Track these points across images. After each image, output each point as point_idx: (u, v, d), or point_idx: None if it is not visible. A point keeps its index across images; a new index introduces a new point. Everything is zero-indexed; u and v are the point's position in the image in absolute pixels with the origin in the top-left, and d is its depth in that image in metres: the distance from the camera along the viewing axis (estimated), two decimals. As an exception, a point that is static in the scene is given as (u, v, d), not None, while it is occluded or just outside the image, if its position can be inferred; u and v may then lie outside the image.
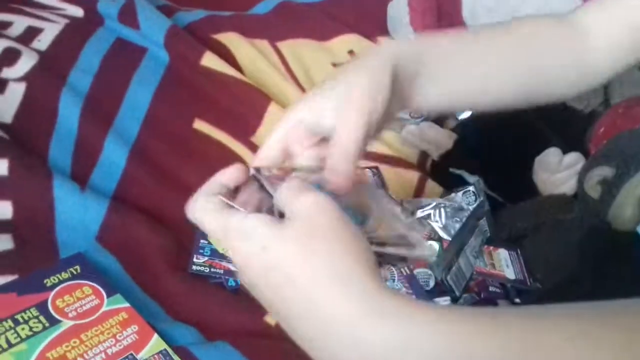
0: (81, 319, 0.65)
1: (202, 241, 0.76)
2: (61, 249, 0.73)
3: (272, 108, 0.93)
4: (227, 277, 0.74)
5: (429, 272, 0.74)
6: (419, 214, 0.80)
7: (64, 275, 0.69)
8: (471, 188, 0.81)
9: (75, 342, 0.63)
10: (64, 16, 0.98)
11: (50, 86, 0.87)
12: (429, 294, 0.73)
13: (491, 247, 0.79)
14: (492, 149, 0.81)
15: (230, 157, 0.89)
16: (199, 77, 0.95)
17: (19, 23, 0.94)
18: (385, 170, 0.89)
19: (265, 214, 0.38)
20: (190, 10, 1.09)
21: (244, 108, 0.94)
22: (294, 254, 0.35)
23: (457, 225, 0.77)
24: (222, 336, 0.68)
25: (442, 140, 0.87)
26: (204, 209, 0.40)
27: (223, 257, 0.75)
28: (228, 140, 0.90)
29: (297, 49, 1.06)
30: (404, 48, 0.48)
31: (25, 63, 0.88)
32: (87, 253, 0.73)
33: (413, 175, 0.90)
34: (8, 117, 0.83)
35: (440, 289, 0.73)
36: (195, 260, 0.75)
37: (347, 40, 1.10)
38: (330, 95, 0.45)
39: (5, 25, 0.93)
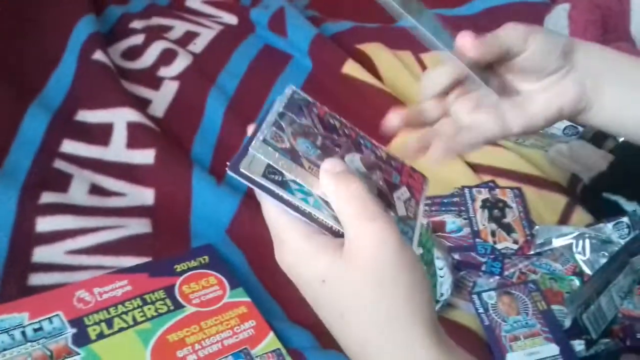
0: (204, 307, 0.67)
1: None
2: (193, 238, 0.76)
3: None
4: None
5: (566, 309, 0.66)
6: (557, 242, 0.72)
7: (193, 263, 0.72)
8: (625, 219, 0.72)
9: (195, 329, 0.64)
10: (220, 23, 1.04)
11: (200, 86, 0.92)
12: (565, 335, 0.65)
13: (646, 289, 0.69)
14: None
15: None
16: (339, 85, 0.96)
17: (179, 27, 1.01)
18: (529, 191, 0.83)
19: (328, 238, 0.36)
20: (337, 22, 1.10)
21: (381, 118, 0.92)
22: (353, 296, 0.34)
23: (603, 260, 0.68)
24: (337, 345, 0.66)
25: (595, 161, 0.78)
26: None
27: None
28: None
29: (440, 61, 1.02)
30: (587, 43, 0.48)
31: (180, 63, 0.94)
32: (216, 244, 0.75)
33: (560, 199, 0.82)
34: (160, 112, 0.89)
35: (578, 330, 0.65)
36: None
37: None
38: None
39: (167, 29, 1.01)
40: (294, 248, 0.36)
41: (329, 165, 0.36)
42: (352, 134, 0.43)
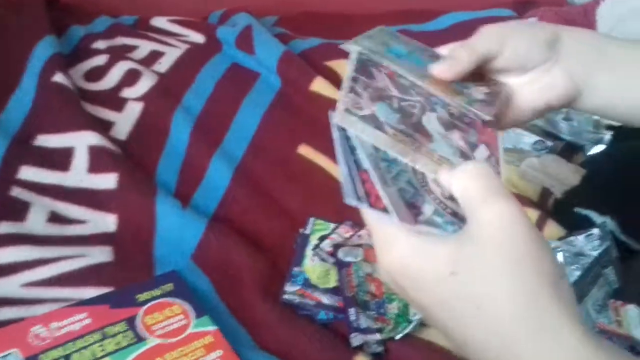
0: (168, 338, 0.64)
1: (295, 269, 0.73)
2: (157, 265, 0.74)
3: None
4: (317, 310, 0.70)
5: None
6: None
7: (157, 292, 0.69)
8: (595, 231, 0.70)
9: (158, 361, 0.62)
10: (186, 42, 1.02)
11: (165, 106, 0.89)
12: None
13: (619, 302, 0.68)
14: (629, 187, 0.70)
15: (332, 184, 0.85)
16: (307, 102, 0.94)
17: (144, 47, 0.99)
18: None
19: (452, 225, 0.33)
20: (306, 39, 1.09)
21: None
22: (492, 282, 0.31)
23: (577, 273, 0.67)
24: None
25: (567, 175, 0.77)
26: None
27: (316, 288, 0.71)
28: (331, 167, 0.87)
29: None
30: (576, 30, 0.47)
31: (145, 84, 0.92)
32: (181, 271, 0.72)
33: (531, 214, 0.81)
34: (123, 134, 0.87)
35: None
36: (286, 288, 0.71)
37: None
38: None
39: (131, 48, 0.98)
40: (409, 245, 0.33)
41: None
42: (424, 92, 0.43)
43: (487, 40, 0.46)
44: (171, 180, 0.83)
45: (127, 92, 0.91)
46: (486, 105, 0.43)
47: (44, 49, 0.90)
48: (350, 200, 0.33)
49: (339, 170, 0.35)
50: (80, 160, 0.81)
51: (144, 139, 0.86)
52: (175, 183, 0.83)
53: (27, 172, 0.79)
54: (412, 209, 0.34)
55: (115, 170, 0.79)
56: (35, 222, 0.74)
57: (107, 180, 0.79)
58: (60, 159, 0.81)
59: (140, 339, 0.63)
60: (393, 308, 0.67)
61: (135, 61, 0.96)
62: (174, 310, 0.67)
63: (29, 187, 0.78)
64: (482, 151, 0.40)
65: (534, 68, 0.46)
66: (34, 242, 0.72)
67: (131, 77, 0.93)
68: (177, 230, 0.76)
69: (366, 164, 0.35)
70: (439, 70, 0.44)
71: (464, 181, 0.34)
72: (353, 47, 0.42)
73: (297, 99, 0.95)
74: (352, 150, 0.36)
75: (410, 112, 0.40)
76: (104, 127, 0.86)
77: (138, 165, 0.82)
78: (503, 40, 0.45)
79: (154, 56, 0.98)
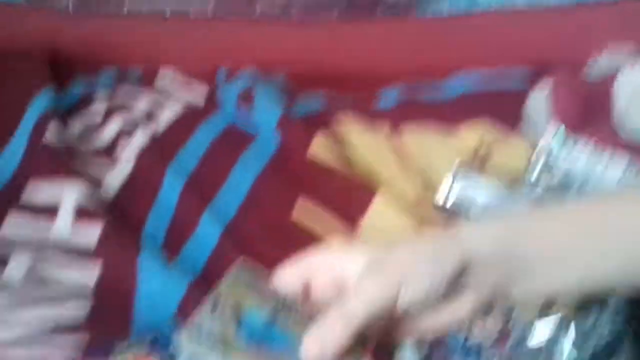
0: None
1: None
2: (136, 322, 0.69)
3: (378, 200, 0.86)
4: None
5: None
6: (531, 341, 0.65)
7: (130, 357, 0.64)
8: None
9: None
10: (185, 102, 1.02)
11: (157, 164, 0.88)
12: None
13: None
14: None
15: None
16: (304, 167, 0.92)
17: (143, 104, 0.98)
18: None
19: None
20: (311, 96, 1.06)
21: (347, 201, 0.88)
22: None
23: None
24: None
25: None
26: None
27: None
28: (327, 234, 0.83)
29: (421, 137, 0.98)
30: (483, 244, 0.39)
31: (139, 142, 0.91)
32: (161, 330, 0.67)
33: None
34: (113, 190, 0.84)
35: None
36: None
37: (477, 129, 0.99)
38: (374, 251, 0.40)
39: (130, 105, 0.98)
40: None
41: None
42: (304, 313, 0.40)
43: (371, 301, 0.37)
44: (159, 235, 0.80)
45: (120, 151, 0.90)
46: None
47: (39, 105, 0.90)
48: None
49: None
50: (65, 215, 0.78)
51: (134, 194, 0.84)
52: (163, 238, 0.80)
53: (11, 226, 0.77)
54: None
55: (99, 223, 0.76)
56: (13, 276, 0.71)
57: (91, 234, 0.76)
58: (44, 215, 0.78)
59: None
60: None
61: (131, 119, 0.95)
62: (147, 373, 0.62)
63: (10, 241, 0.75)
64: None
65: (434, 306, 0.40)
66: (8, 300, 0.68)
67: (125, 136, 0.92)
68: (159, 288, 0.71)
69: None
70: (308, 350, 0.36)
71: None
72: (188, 344, 0.36)
73: (293, 163, 0.93)
74: None
75: None
76: (93, 183, 0.84)
77: (125, 220, 0.79)
78: (394, 291, 0.37)
79: (151, 114, 0.97)
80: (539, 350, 0.67)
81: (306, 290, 0.41)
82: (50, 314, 0.68)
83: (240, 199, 0.86)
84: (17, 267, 0.72)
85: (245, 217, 0.84)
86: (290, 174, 0.92)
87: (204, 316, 0.38)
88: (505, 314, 0.70)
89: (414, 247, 0.39)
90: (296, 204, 0.86)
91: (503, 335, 0.68)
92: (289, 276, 0.41)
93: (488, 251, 0.39)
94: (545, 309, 0.74)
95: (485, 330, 0.69)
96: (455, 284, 0.39)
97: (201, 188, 0.86)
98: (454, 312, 0.40)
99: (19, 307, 0.68)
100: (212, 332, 0.36)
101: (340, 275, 0.40)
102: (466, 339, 0.68)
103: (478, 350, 0.67)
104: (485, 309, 0.41)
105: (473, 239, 0.39)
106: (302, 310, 0.40)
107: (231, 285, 0.40)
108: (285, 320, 0.39)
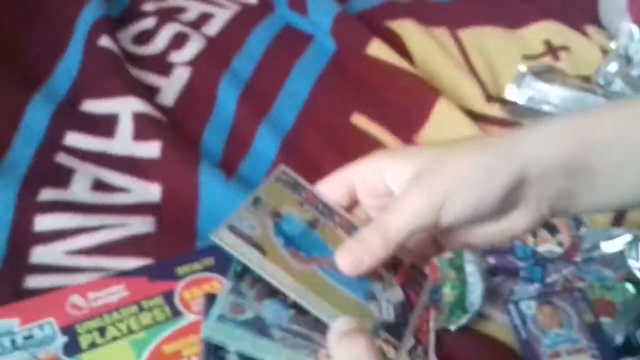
0: (206, 315, 0.61)
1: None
2: (200, 237, 0.71)
3: (441, 104, 0.82)
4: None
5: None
6: (606, 247, 0.63)
7: (197, 266, 0.65)
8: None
9: (193, 339, 0.59)
10: (237, 2, 0.97)
11: (213, 71, 0.86)
12: (615, 353, 0.56)
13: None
14: None
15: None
16: (363, 67, 0.88)
17: (193, 8, 0.95)
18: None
19: None
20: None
21: (409, 103, 0.84)
22: None
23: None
24: None
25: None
26: None
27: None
28: (387, 138, 0.81)
29: (481, 37, 0.93)
30: (546, 154, 0.35)
31: (193, 48, 0.88)
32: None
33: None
34: (170, 100, 0.84)
35: (631, 348, 0.56)
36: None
37: (545, 29, 0.94)
38: (422, 161, 0.36)
39: (180, 10, 0.95)
40: None
41: (338, 324, 0.32)
42: (343, 221, 0.38)
43: (412, 215, 0.34)
44: (217, 149, 0.79)
45: (174, 56, 0.88)
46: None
47: (91, 12, 0.87)
48: None
49: None
50: (125, 127, 0.78)
51: (191, 106, 0.83)
52: (221, 153, 0.79)
53: (73, 139, 0.78)
54: None
55: (159, 139, 0.76)
56: (79, 189, 0.73)
57: (151, 149, 0.76)
58: (105, 126, 0.79)
59: (177, 315, 0.60)
60: (448, 295, 0.61)
61: (183, 24, 0.92)
62: (213, 286, 0.64)
63: (74, 154, 0.76)
64: (396, 293, 0.36)
65: (485, 221, 0.37)
66: (77, 210, 0.70)
67: (179, 41, 0.89)
68: (221, 202, 0.72)
69: None
70: (343, 264, 0.35)
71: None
72: (226, 240, 0.34)
73: (352, 63, 0.89)
74: None
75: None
76: (150, 92, 0.83)
77: (183, 134, 0.79)
78: (437, 206, 0.34)
79: (204, 18, 0.94)
80: (612, 256, 0.64)
81: (351, 200, 0.39)
82: (119, 226, 0.70)
83: (298, 107, 0.84)
84: (83, 178, 0.74)
85: (303, 126, 0.82)
86: (349, 74, 0.88)
87: (243, 213, 0.36)
88: (574, 227, 0.68)
89: (465, 158, 0.36)
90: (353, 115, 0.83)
91: (572, 248, 0.66)
92: (334, 185, 0.39)
93: (550, 162, 0.35)
94: (616, 223, 0.71)
95: (553, 242, 0.67)
96: (510, 197, 0.35)
97: (257, 99, 0.84)
98: (508, 228, 0.37)
99: (89, 218, 0.71)
100: (252, 229, 0.35)
101: (386, 185, 0.37)
102: (534, 251, 0.66)
103: (545, 261, 0.66)
104: (544, 224, 0.38)
105: (535, 148, 0.36)
106: (342, 219, 0.38)
107: (271, 188, 0.38)
108: (324, 228, 0.37)
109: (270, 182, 0.39)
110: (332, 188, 0.39)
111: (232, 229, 0.34)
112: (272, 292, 0.34)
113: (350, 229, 0.38)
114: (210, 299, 0.38)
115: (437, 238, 0.39)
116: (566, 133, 0.36)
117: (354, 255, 0.35)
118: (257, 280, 0.34)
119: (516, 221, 0.37)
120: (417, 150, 0.40)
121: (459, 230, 0.37)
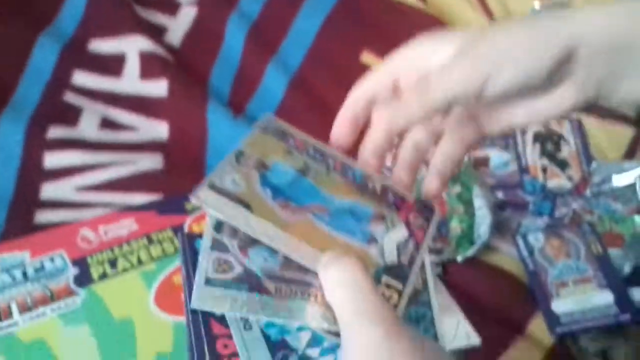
0: (214, 247, 0.62)
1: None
2: (208, 174, 0.70)
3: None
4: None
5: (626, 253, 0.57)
6: (618, 180, 0.62)
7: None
8: None
9: (202, 270, 0.59)
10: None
11: (220, 11, 0.84)
12: (623, 282, 0.55)
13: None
14: None
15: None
16: (373, 5, 0.86)
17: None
18: (590, 123, 0.72)
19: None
20: None
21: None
22: None
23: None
24: None
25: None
26: None
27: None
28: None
29: None
30: (595, 32, 0.34)
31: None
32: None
33: (625, 132, 0.71)
34: (177, 40, 0.82)
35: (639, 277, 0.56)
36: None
37: None
38: (466, 37, 0.35)
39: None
40: None
41: (323, 258, 0.31)
42: (337, 163, 0.37)
43: (454, 81, 0.34)
44: (224, 88, 0.78)
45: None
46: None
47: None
48: None
49: None
50: (132, 66, 0.78)
51: (198, 45, 0.82)
52: (229, 92, 0.78)
53: (80, 77, 0.77)
54: None
55: (166, 78, 0.76)
56: (88, 127, 0.73)
57: (159, 88, 0.76)
58: (112, 65, 0.78)
59: (186, 247, 0.61)
60: (456, 228, 0.61)
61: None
62: (221, 221, 0.64)
63: (82, 93, 0.76)
64: (399, 233, 0.35)
65: (532, 92, 0.36)
66: (86, 147, 0.70)
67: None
68: (228, 140, 0.72)
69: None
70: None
71: (331, 289, 0.30)
72: (207, 199, 0.32)
73: (362, 1, 0.86)
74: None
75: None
76: (157, 32, 0.82)
77: (190, 73, 0.78)
78: (482, 75, 0.33)
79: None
80: (622, 190, 0.64)
81: (395, 90, 0.38)
82: (128, 163, 0.71)
83: (306, 46, 0.83)
84: (91, 117, 0.74)
85: (311, 65, 0.81)
86: (359, 12, 0.86)
87: (225, 168, 0.34)
88: (585, 162, 0.67)
89: (513, 31, 0.34)
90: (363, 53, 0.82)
91: (582, 182, 0.66)
92: (380, 78, 0.38)
93: (599, 40, 0.34)
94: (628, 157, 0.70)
95: (563, 177, 0.66)
96: (556, 72, 0.34)
97: (265, 38, 0.82)
98: (552, 105, 0.36)
99: (97, 156, 0.71)
100: (235, 184, 0.33)
101: (429, 70, 0.36)
102: (543, 186, 0.66)
103: (554, 196, 0.65)
104: (587, 105, 0.37)
105: (586, 22, 0.34)
106: (336, 162, 0.37)
107: (256, 139, 0.36)
108: (316, 174, 0.36)
109: (254, 134, 0.37)
110: (377, 82, 0.38)
111: (213, 187, 0.32)
112: (255, 240, 0.32)
113: (347, 170, 0.37)
114: (190, 238, 0.37)
115: (478, 118, 0.38)
116: (616, 12, 0.35)
117: (388, 111, 0.35)
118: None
119: (561, 98, 0.36)
120: (461, 30, 0.38)
121: (501, 108, 0.36)
